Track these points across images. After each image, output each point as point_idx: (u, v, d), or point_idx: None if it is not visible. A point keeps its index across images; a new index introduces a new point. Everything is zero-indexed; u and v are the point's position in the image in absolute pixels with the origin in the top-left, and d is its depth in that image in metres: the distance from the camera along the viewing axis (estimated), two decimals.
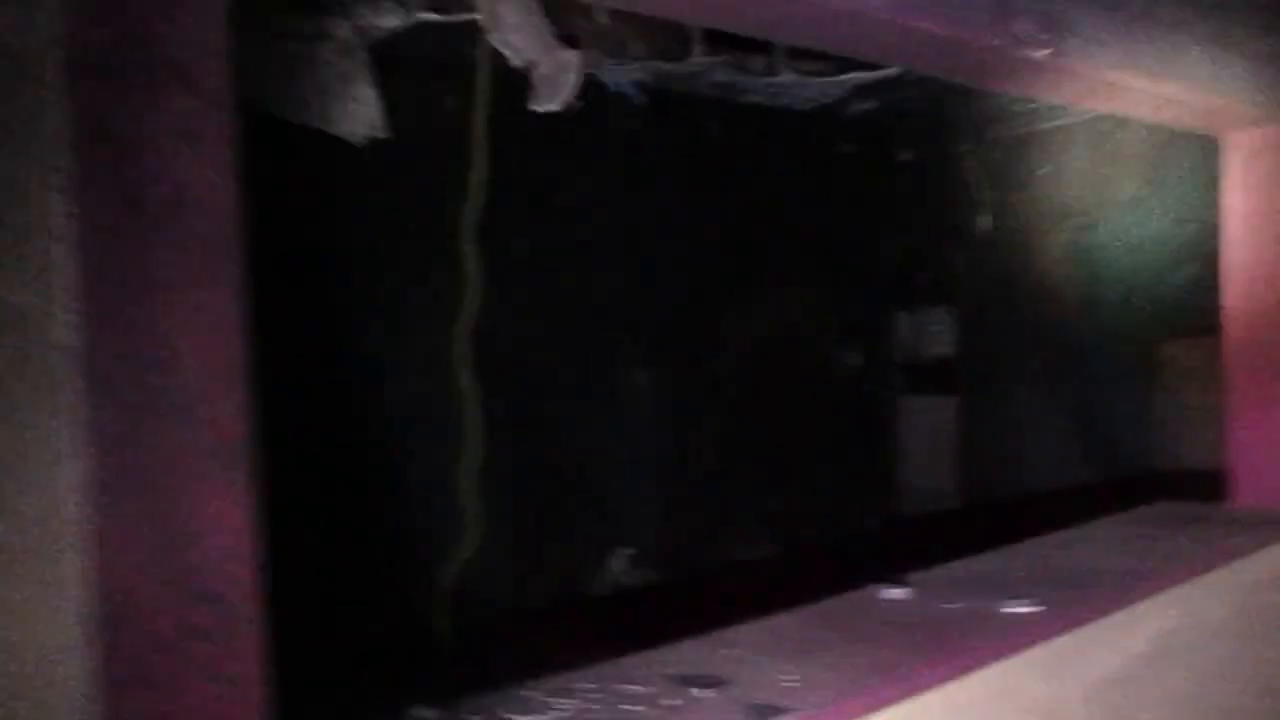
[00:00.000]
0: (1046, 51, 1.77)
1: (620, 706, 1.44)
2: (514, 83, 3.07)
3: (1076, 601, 1.94)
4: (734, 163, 3.93)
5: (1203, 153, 3.13)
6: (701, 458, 3.88)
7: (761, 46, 3.38)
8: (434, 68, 3.13)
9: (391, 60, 2.92)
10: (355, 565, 2.64)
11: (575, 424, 3.47)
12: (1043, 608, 1.87)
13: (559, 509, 3.38)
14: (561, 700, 1.46)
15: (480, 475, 3.04)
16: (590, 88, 3.44)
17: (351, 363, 2.85)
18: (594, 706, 1.44)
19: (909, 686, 1.53)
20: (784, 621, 1.83)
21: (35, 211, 0.86)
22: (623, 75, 3.47)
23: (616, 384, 3.62)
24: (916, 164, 4.90)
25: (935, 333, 6.65)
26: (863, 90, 3.75)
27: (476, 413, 3.07)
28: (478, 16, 2.91)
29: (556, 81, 3.25)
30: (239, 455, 0.95)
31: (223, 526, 0.94)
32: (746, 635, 1.76)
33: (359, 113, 3.06)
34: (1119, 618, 2.04)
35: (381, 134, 2.98)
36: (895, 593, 1.97)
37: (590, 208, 3.55)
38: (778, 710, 1.40)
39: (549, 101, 3.27)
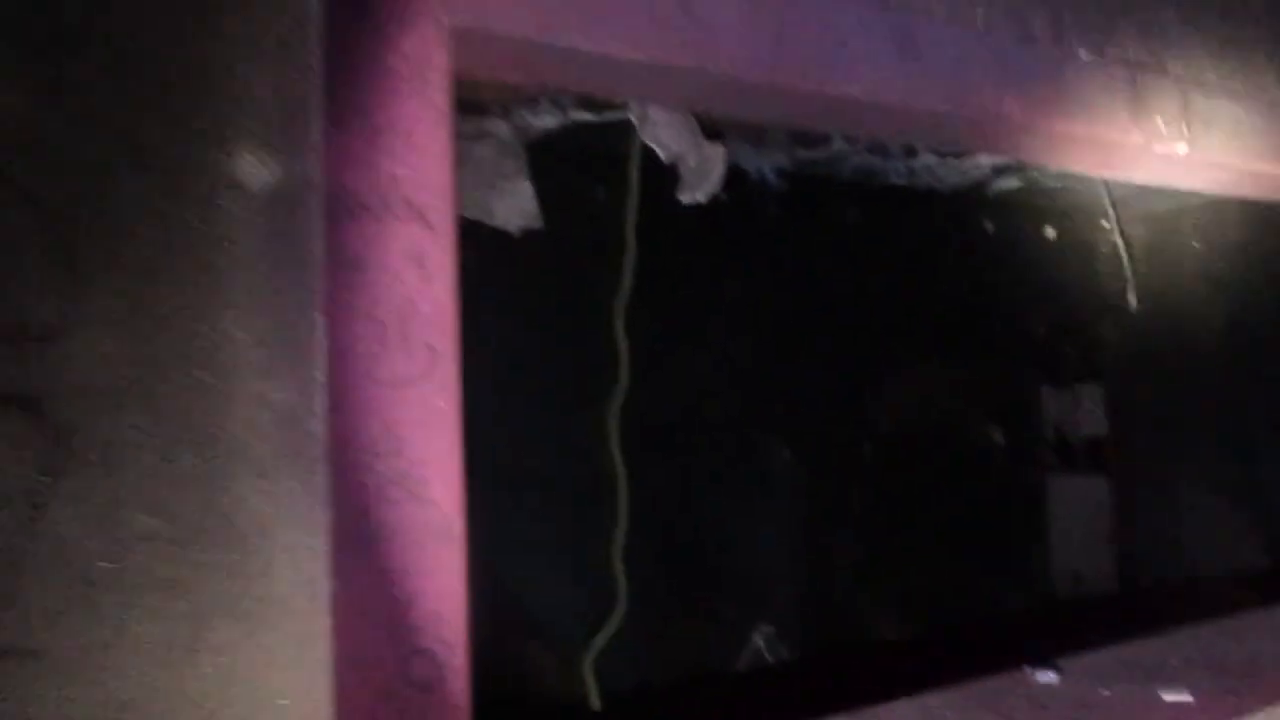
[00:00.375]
0: (1183, 147, 1.83)
1: None
2: (663, 175, 3.25)
3: (1239, 691, 1.90)
4: (876, 244, 4.01)
5: None
6: (845, 537, 3.91)
7: None
8: (587, 162, 3.36)
9: (547, 155, 3.16)
10: (511, 632, 2.79)
11: (720, 502, 3.56)
12: (1197, 694, 1.85)
13: (702, 585, 3.46)
14: None
15: (627, 551, 3.16)
16: (733, 175, 3.60)
17: (510, 440, 3.03)
18: None
19: None
20: (934, 701, 1.87)
21: (299, 327, 1.04)
22: (765, 162, 3.63)
23: (761, 463, 3.71)
24: (1061, 240, 4.87)
25: (1086, 411, 6.48)
26: (1003, 169, 3.80)
27: (625, 490, 3.21)
28: (629, 115, 3.12)
29: (702, 174, 3.43)
30: (453, 529, 1.10)
31: (438, 591, 1.10)
32: (898, 713, 1.81)
33: (517, 206, 3.31)
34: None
35: (537, 225, 3.21)
36: (1047, 676, 1.98)
37: (735, 291, 3.69)
38: None
39: (695, 193, 3.45)
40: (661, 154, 3.39)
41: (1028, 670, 2.01)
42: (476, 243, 3.09)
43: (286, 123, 1.06)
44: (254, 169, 1.04)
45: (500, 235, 3.14)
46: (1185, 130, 1.86)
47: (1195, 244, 4.43)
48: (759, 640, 3.64)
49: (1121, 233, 4.63)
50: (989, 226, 4.43)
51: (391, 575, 1.07)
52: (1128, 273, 4.90)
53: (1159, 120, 1.82)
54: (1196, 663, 2.10)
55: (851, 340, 3.96)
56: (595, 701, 3.01)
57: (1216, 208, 4.13)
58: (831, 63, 1.45)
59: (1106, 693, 1.90)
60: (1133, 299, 5.02)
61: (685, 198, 3.50)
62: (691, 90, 1.52)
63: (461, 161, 3.29)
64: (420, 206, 1.09)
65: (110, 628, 0.94)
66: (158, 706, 0.95)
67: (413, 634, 1.08)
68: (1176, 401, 5.05)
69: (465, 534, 1.13)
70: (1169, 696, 1.86)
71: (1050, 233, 4.86)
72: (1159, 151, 1.86)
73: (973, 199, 4.17)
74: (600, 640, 3.09)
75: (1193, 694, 1.86)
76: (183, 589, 0.97)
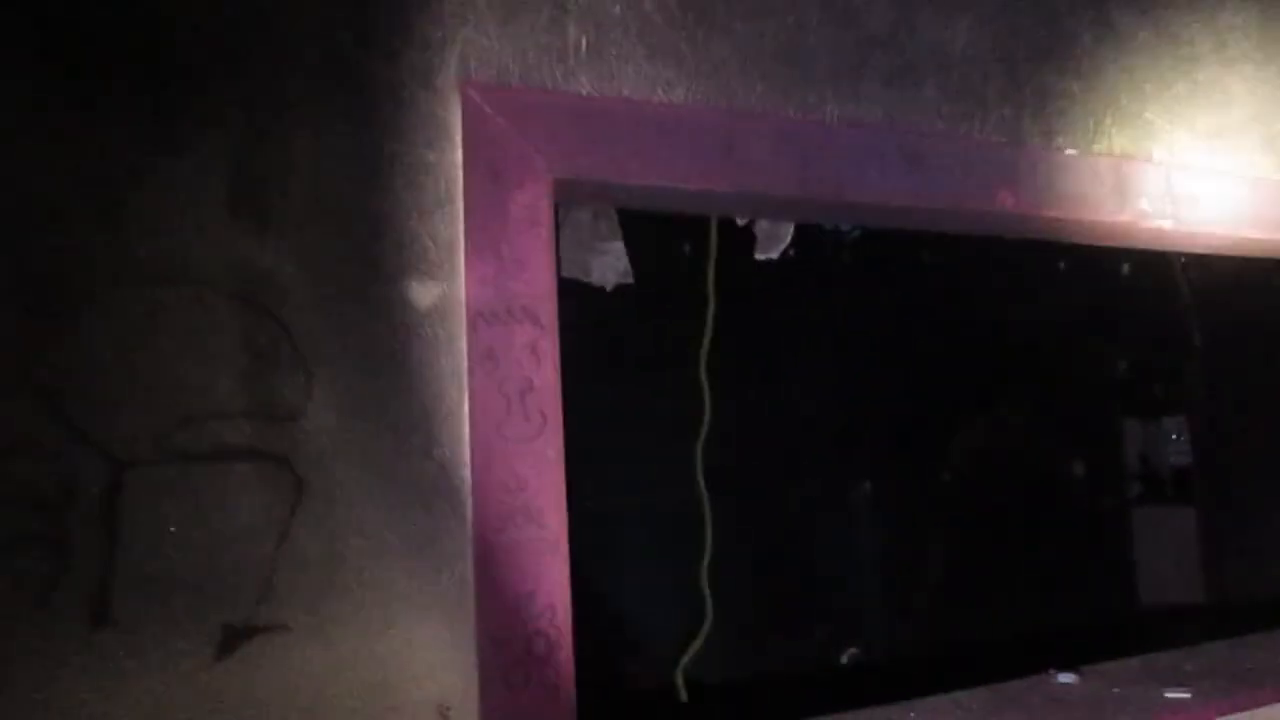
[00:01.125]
0: (1169, 223, 2.16)
1: None
2: (739, 231, 3.64)
3: (1234, 691, 2.19)
4: (954, 286, 4.31)
5: None
6: (927, 570, 4.20)
7: None
8: (672, 225, 3.78)
9: (638, 219, 3.59)
10: (613, 636, 3.20)
11: (803, 533, 3.90)
12: (1198, 694, 2.15)
13: (789, 607, 3.79)
14: None
15: (714, 578, 3.54)
16: (810, 227, 3.98)
17: (612, 474, 3.45)
18: None
19: None
20: (965, 696, 2.21)
21: (453, 401, 1.49)
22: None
23: (843, 496, 4.04)
24: (1138, 276, 5.08)
25: (1172, 443, 6.61)
26: None
27: (710, 519, 3.59)
28: None
29: (774, 235, 3.83)
30: (560, 546, 1.53)
31: (550, 590, 1.52)
32: (933, 704, 2.16)
33: (611, 264, 3.75)
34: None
35: (630, 280, 3.65)
36: (1067, 677, 2.29)
37: (813, 335, 4.04)
38: None
39: (768, 251, 3.85)
40: (738, 219, 3.80)
41: (1051, 673, 2.33)
42: (578, 299, 3.53)
43: (440, 257, 1.51)
44: (419, 291, 1.50)
45: (598, 291, 3.58)
46: (1170, 208, 2.19)
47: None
48: (844, 660, 3.97)
49: (1184, 269, 4.80)
50: (1063, 264, 4.69)
51: (517, 577, 1.50)
52: (1202, 306, 5.09)
53: (1144, 202, 2.15)
54: (1207, 670, 2.38)
55: (931, 378, 4.26)
56: (683, 695, 3.34)
57: None
58: (847, 177, 1.85)
59: (1117, 690, 2.21)
60: (1210, 332, 5.22)
61: (760, 255, 3.91)
62: (733, 206, 1.93)
63: (562, 225, 3.77)
64: (534, 311, 1.53)
65: (332, 611, 1.39)
66: (363, 665, 1.39)
67: (532, 620, 1.51)
68: (1261, 430, 5.20)
69: (569, 550, 1.55)
70: (1170, 694, 2.16)
71: (1127, 268, 5.09)
72: (1146, 226, 2.19)
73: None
74: (690, 652, 3.47)
75: (1189, 692, 2.16)
76: (379, 586, 1.41)
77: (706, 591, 3.56)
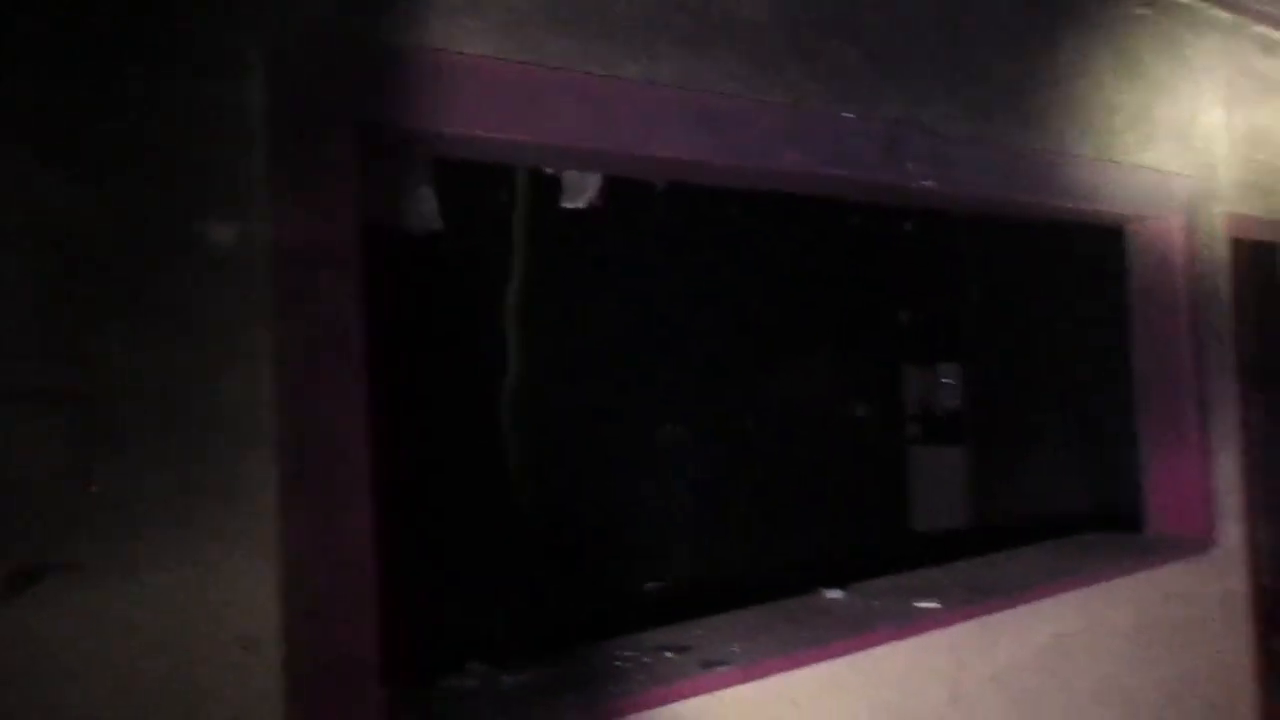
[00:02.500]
0: (930, 184, 2.39)
1: (615, 664, 2.04)
2: (548, 182, 3.70)
3: (974, 601, 2.50)
4: (753, 240, 4.53)
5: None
6: (731, 504, 4.45)
7: None
8: (484, 172, 3.79)
9: (448, 166, 3.59)
10: (422, 584, 3.26)
11: (613, 475, 4.06)
12: (945, 604, 2.44)
13: (596, 547, 3.94)
14: (569, 659, 2.07)
15: (528, 516, 3.65)
16: (622, 179, 4.07)
17: (424, 418, 3.46)
18: (597, 664, 2.05)
19: (822, 653, 2.12)
20: (745, 614, 2.42)
21: (253, 342, 1.51)
22: None
23: (650, 439, 4.22)
24: (921, 235, 5.48)
25: (946, 388, 7.21)
26: None
27: (520, 464, 3.69)
28: None
29: (581, 184, 3.92)
30: (367, 482, 1.58)
31: (357, 524, 1.58)
32: (716, 623, 2.35)
33: (420, 210, 3.74)
34: (1019, 615, 2.59)
35: (439, 227, 3.66)
36: (834, 594, 2.55)
37: (626, 286, 4.16)
38: (721, 663, 1.99)
39: (576, 200, 3.94)
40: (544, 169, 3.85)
41: (822, 590, 2.57)
42: (387, 245, 3.51)
43: (244, 199, 1.52)
44: (221, 232, 1.50)
45: (409, 237, 3.57)
46: (934, 170, 2.42)
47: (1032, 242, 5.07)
48: (649, 588, 4.17)
49: (971, 227, 5.19)
50: (855, 220, 5.01)
51: (322, 513, 1.55)
52: (980, 264, 5.56)
53: (911, 165, 2.38)
54: (958, 584, 2.69)
55: (735, 328, 4.48)
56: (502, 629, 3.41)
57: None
58: (644, 134, 1.95)
59: (877, 603, 2.48)
60: (986, 288, 5.71)
61: (566, 204, 3.99)
62: (536, 157, 2.02)
63: (370, 171, 3.72)
64: (338, 254, 1.56)
65: (131, 549, 1.40)
66: (163, 602, 1.41)
67: (338, 554, 1.56)
68: (1023, 378, 5.77)
69: (373, 487, 1.61)
70: (920, 604, 2.44)
71: (909, 226, 5.48)
72: (914, 187, 2.41)
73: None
74: (509, 598, 3.57)
75: (938, 602, 2.45)
76: (179, 523, 1.43)
77: (520, 530, 3.67)
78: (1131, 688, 2.92)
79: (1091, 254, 4.31)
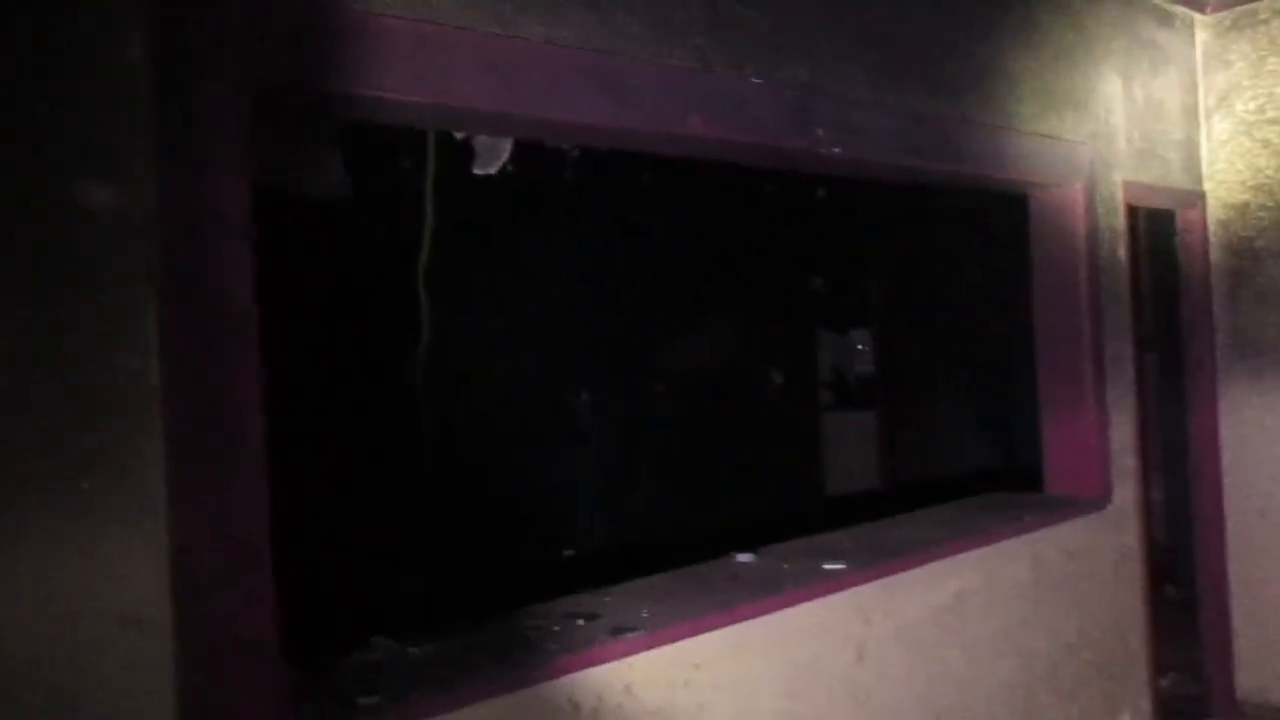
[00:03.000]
0: (838, 151, 2.40)
1: (525, 632, 2.03)
2: (460, 148, 3.63)
3: (879, 561, 2.55)
4: (667, 207, 4.51)
5: None
6: (644, 471, 4.46)
7: None
8: (393, 136, 3.70)
9: (355, 130, 3.49)
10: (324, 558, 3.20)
11: (525, 443, 4.03)
12: (851, 565, 2.49)
13: (508, 512, 3.92)
14: (479, 629, 2.06)
15: (438, 487, 3.61)
16: (534, 145, 4.02)
17: (332, 391, 3.39)
18: (507, 634, 2.04)
19: (732, 616, 2.14)
20: (657, 580, 2.43)
21: (136, 310, 1.45)
22: None
23: (565, 408, 4.20)
24: (832, 203, 5.54)
25: (858, 354, 7.34)
26: None
27: (431, 433, 3.64)
28: None
29: (493, 149, 3.85)
30: (259, 455, 1.53)
31: (249, 498, 1.53)
32: (627, 589, 2.36)
33: (326, 176, 3.64)
34: (922, 574, 2.66)
35: (346, 193, 3.56)
36: (745, 557, 2.57)
37: (535, 252, 4.12)
38: (631, 629, 2.00)
39: (486, 166, 3.87)
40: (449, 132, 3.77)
41: (733, 554, 2.60)
42: (291, 211, 3.41)
43: (125, 161, 1.45)
44: (100, 196, 1.43)
45: (312, 203, 3.47)
46: (841, 136, 2.43)
47: (941, 210, 5.15)
48: (565, 555, 4.17)
49: (881, 197, 5.24)
50: (770, 189, 5.03)
51: (213, 486, 1.50)
52: (891, 233, 5.63)
53: (819, 130, 2.38)
54: (864, 545, 2.75)
55: (648, 295, 4.47)
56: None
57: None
58: (546, 96, 1.92)
59: (786, 566, 2.51)
60: (897, 257, 5.79)
61: (477, 170, 3.92)
62: (436, 119, 1.97)
63: (271, 136, 3.60)
64: (228, 219, 1.50)
65: (8, 526, 1.33)
66: (42, 580, 1.35)
67: (229, 528, 1.52)
68: (927, 343, 5.89)
69: (269, 462, 1.56)
70: (828, 566, 2.48)
71: (823, 194, 5.52)
72: (821, 153, 2.42)
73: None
74: (419, 569, 3.53)
75: (845, 563, 2.50)
76: (60, 499, 1.37)
77: (431, 500, 3.63)
78: (1029, 641, 3.02)
79: (997, 221, 4.40)
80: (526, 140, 3.64)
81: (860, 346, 7.13)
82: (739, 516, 4.73)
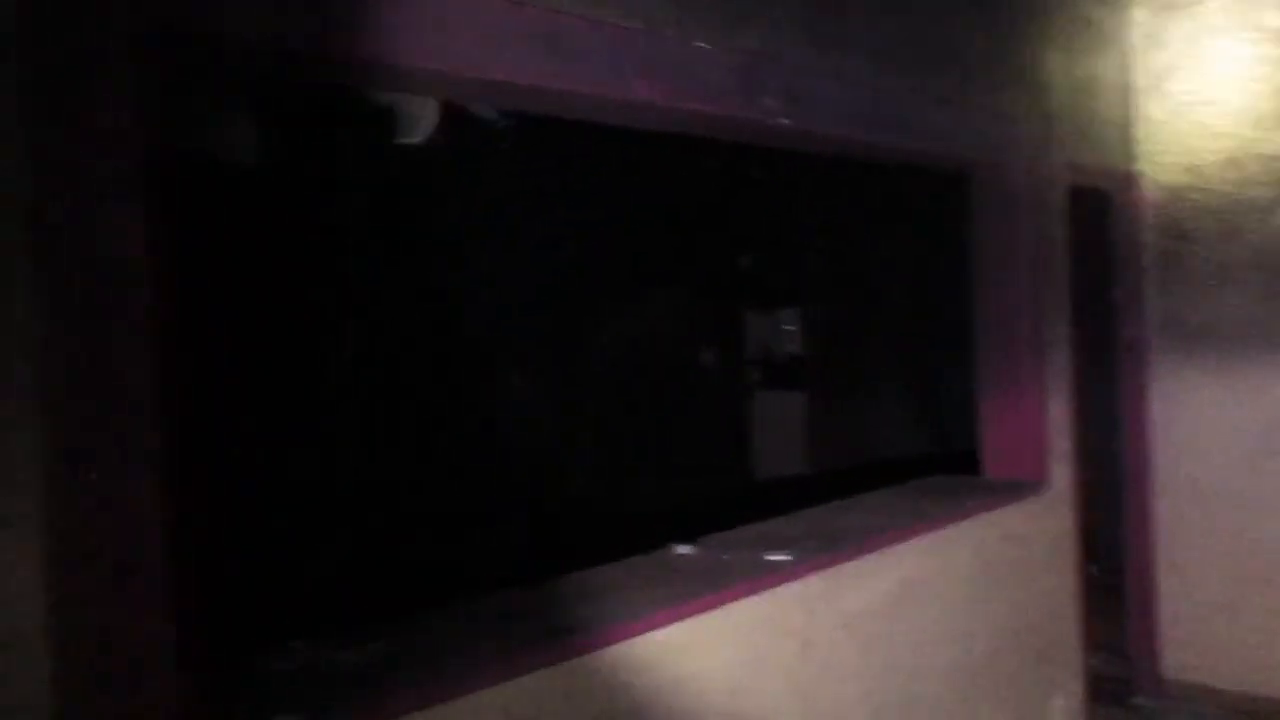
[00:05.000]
0: (787, 121, 2.28)
1: (452, 635, 1.89)
2: (386, 115, 3.44)
3: (824, 551, 2.46)
4: (600, 181, 4.36)
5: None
6: (573, 454, 4.33)
7: None
8: (314, 101, 3.48)
9: (274, 94, 3.26)
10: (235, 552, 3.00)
11: (454, 421, 3.86)
12: (794, 555, 2.39)
13: (439, 499, 3.76)
14: (403, 632, 1.90)
15: (361, 471, 3.43)
16: (460, 113, 3.83)
17: (247, 366, 3.17)
18: (433, 636, 1.89)
19: (673, 614, 2.02)
20: (594, 574, 2.30)
21: (18, 296, 1.25)
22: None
23: (491, 390, 4.04)
24: (768, 182, 5.44)
25: (786, 334, 7.28)
26: None
27: (350, 419, 3.45)
28: None
29: (418, 118, 3.65)
30: (155, 454, 1.35)
31: (139, 503, 1.35)
32: (565, 584, 2.22)
33: (240, 141, 3.40)
34: (867, 563, 2.58)
35: (254, 157, 3.33)
36: (685, 549, 2.46)
37: (464, 223, 3.93)
38: (570, 631, 1.87)
39: (411, 135, 3.67)
40: (381, 99, 3.57)
41: (672, 546, 2.48)
42: (207, 177, 3.17)
43: None
44: None
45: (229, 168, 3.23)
46: (788, 107, 2.31)
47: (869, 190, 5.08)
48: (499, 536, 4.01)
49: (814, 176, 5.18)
50: (708, 165, 4.90)
51: (101, 492, 1.32)
52: (822, 214, 5.55)
53: (768, 100, 2.26)
54: (806, 533, 2.65)
55: (576, 275, 4.32)
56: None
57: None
58: (479, 52, 1.75)
59: (727, 557, 2.40)
60: (830, 238, 5.72)
61: (403, 138, 3.71)
62: (354, 74, 1.79)
63: (168, 91, 3.35)
64: (115, 185, 1.31)
65: None
66: None
67: (118, 537, 1.34)
68: (867, 324, 5.83)
69: (166, 457, 1.39)
70: (772, 557, 2.38)
71: (759, 174, 5.41)
72: (769, 125, 2.30)
73: (687, 139, 4.61)
74: (340, 569, 3.35)
75: (789, 554, 2.40)
76: None
77: (351, 493, 3.44)
78: (971, 627, 2.97)
79: (934, 200, 4.35)
80: (458, 106, 3.44)
81: (789, 326, 7.08)
82: (669, 497, 4.63)
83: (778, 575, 2.31)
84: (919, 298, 5.39)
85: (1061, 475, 3.43)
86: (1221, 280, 3.79)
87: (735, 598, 2.18)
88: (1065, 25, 3.53)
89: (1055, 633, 3.39)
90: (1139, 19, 3.95)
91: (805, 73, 2.36)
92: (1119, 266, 3.96)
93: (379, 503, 3.43)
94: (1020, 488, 3.25)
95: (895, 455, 5.34)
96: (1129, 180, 3.91)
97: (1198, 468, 3.87)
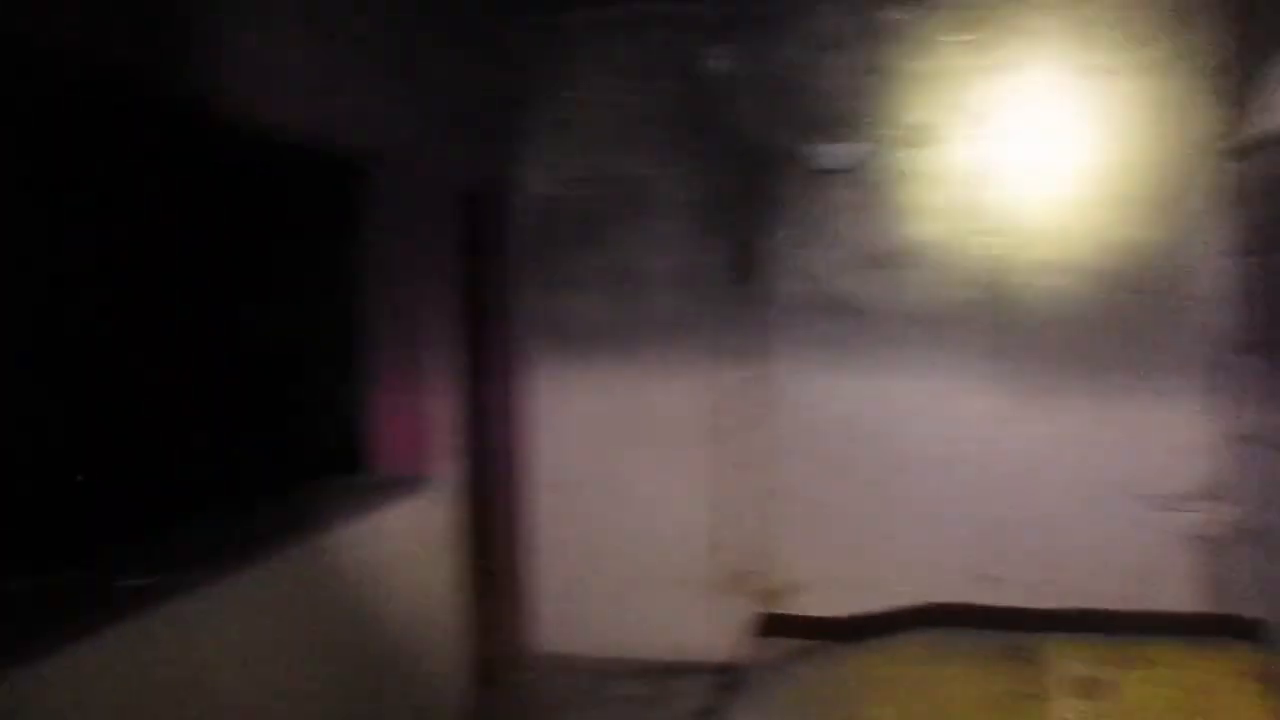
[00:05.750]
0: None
1: None
2: None
3: (197, 572, 2.16)
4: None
5: None
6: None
7: None
8: None
9: None
10: None
11: None
12: (164, 580, 2.06)
13: None
14: None
15: None
16: None
17: None
18: None
19: None
20: None
21: None
22: None
23: None
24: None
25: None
26: None
27: None
28: None
29: None
30: None
31: None
32: None
33: None
34: (248, 580, 2.32)
35: None
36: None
37: None
38: None
39: None
40: None
41: None
42: None
43: None
44: None
45: None
46: None
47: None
48: None
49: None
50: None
51: None
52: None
53: None
54: (176, 555, 2.31)
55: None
56: None
57: None
58: None
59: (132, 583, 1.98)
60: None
61: None
62: None
63: None
64: None
65: None
66: None
67: None
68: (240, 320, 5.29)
69: None
70: (131, 582, 2.02)
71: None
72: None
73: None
74: None
75: (160, 579, 2.06)
76: None
77: None
78: (362, 633, 2.86)
79: (324, 193, 4.16)
80: None
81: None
82: None
83: (143, 603, 1.96)
84: (312, 293, 5.11)
85: (447, 470, 3.48)
86: (584, 285, 4.17)
87: (85, 634, 1.79)
88: (453, 34, 3.61)
89: (442, 624, 3.42)
90: (527, 36, 4.17)
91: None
92: (501, 268, 4.15)
93: None
94: (406, 484, 3.23)
95: (283, 454, 4.96)
96: (509, 185, 4.12)
97: (567, 459, 4.22)
